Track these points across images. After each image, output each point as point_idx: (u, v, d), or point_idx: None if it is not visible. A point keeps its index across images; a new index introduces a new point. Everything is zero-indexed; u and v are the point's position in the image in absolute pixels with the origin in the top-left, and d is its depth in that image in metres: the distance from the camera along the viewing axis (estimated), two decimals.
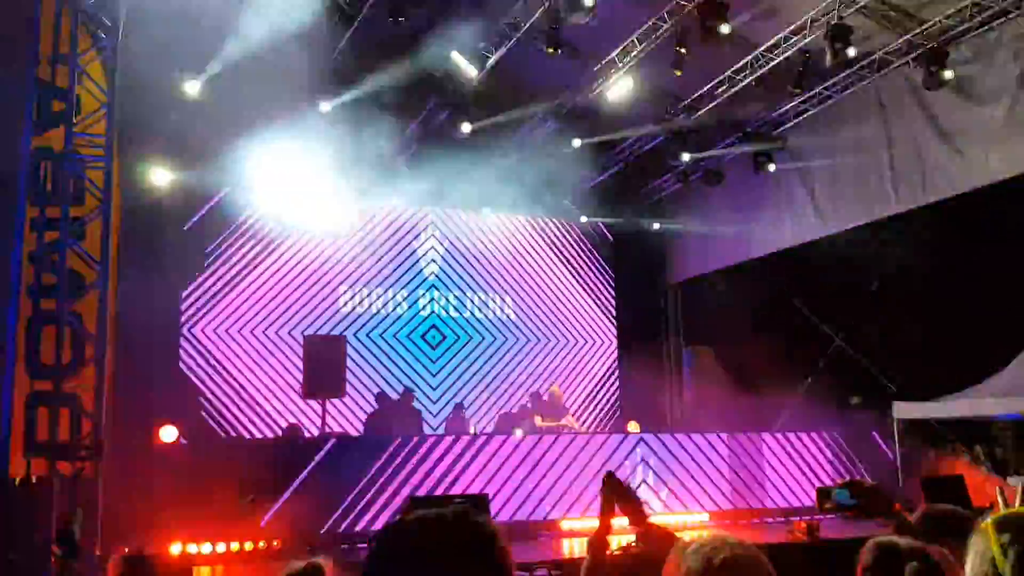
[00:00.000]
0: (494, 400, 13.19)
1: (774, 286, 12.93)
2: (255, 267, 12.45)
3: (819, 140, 11.73)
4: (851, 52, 9.28)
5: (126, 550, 6.02)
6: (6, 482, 5.81)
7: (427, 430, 11.72)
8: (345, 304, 12.95)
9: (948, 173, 9.99)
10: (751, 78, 10.65)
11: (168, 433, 9.32)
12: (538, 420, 11.17)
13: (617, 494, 2.87)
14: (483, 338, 13.81)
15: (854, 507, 2.76)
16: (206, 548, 7.43)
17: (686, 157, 12.14)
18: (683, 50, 9.61)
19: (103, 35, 6.97)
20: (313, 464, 8.56)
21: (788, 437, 10.69)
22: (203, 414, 11.74)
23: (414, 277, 13.50)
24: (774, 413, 11.21)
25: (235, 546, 7.69)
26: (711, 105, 11.43)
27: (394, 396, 11.59)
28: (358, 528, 8.53)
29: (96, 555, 5.48)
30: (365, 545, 8.22)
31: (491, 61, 10.25)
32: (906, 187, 10.53)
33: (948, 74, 9.53)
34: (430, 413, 12.89)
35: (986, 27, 9.35)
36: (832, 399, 11.29)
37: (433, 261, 13.69)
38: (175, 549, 6.98)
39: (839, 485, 2.90)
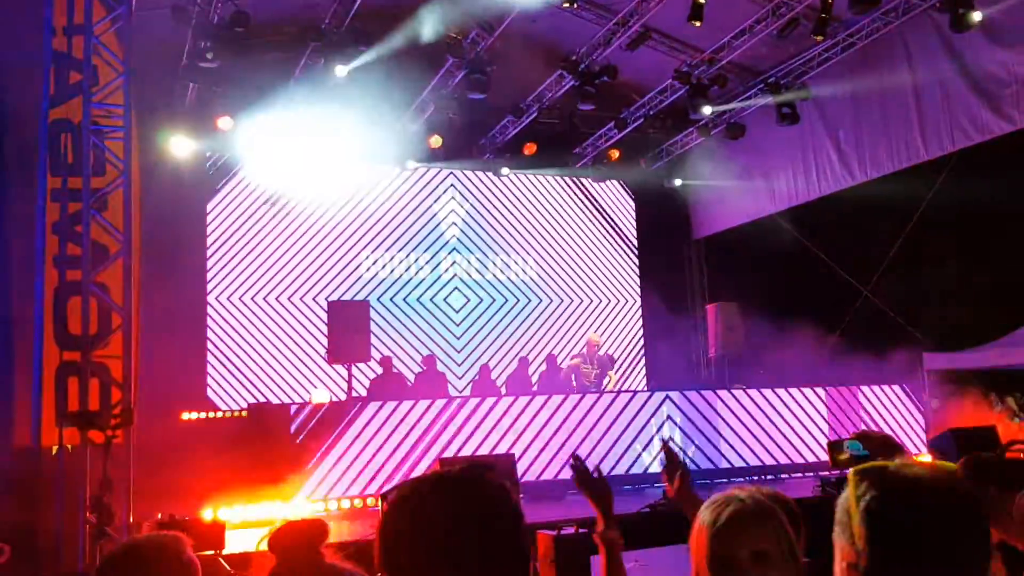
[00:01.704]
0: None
1: (799, 239, 12.77)
2: (277, 234, 12.50)
3: (844, 88, 11.46)
4: None
5: (159, 516, 6.15)
6: (40, 451, 5.91)
7: (452, 392, 11.79)
8: (367, 269, 12.98)
9: (978, 119, 9.75)
10: (772, 27, 10.40)
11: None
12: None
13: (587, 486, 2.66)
14: (506, 300, 13.80)
15: (865, 458, 2.70)
16: (238, 512, 7.54)
17: (707, 110, 11.92)
18: (702, 0, 9.40)
19: (116, 4, 6.92)
20: (342, 428, 8.64)
21: (816, 391, 10.62)
22: (229, 381, 11.89)
23: (435, 240, 13.48)
24: (801, 368, 11.12)
25: (266, 510, 7.80)
26: (731, 56, 11.20)
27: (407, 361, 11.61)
28: (386, 490, 8.62)
29: (129, 522, 5.58)
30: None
31: (508, 19, 10.10)
32: (934, 134, 10.30)
33: (976, 16, 9.24)
34: (455, 376, 12.97)
35: None
36: (861, 352, 11.17)
37: (454, 223, 13.66)
38: (207, 514, 7.09)
39: (850, 438, 2.85)
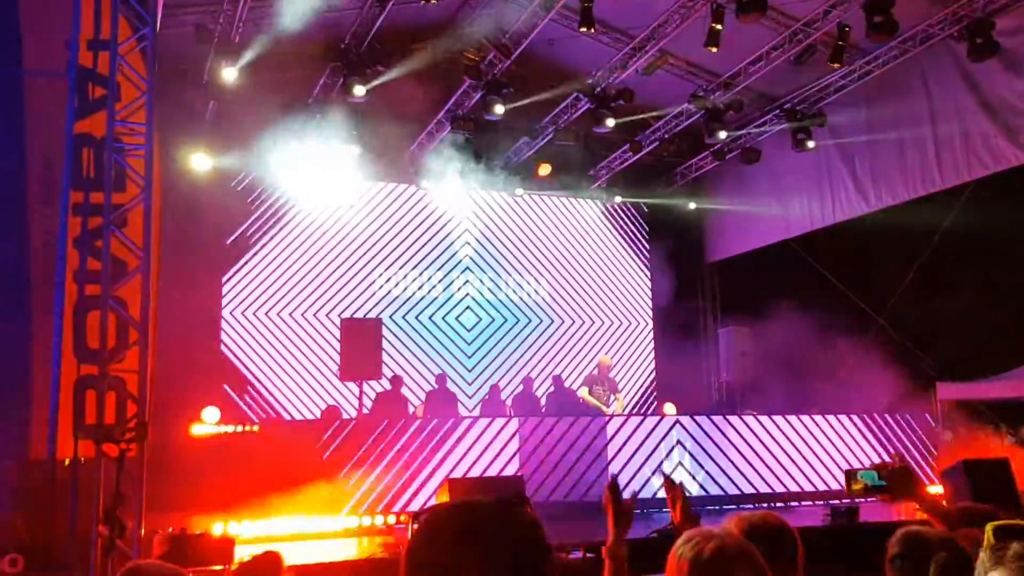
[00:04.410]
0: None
1: (813, 265, 12.76)
2: (292, 251, 12.59)
3: (860, 116, 11.50)
4: (891, 25, 9.04)
5: (170, 529, 6.19)
6: (55, 463, 5.96)
7: (462, 412, 11.80)
8: (381, 287, 13.05)
9: (994, 148, 9.75)
10: (789, 54, 10.46)
11: (211, 415, 9.52)
12: (584, 392, 11.15)
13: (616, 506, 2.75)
14: (518, 320, 13.83)
15: (882, 488, 2.73)
16: (247, 527, 7.58)
17: (723, 135, 11.97)
18: (719, 26, 9.46)
19: (141, 24, 7.03)
20: (351, 446, 8.66)
21: (828, 419, 10.57)
22: (243, 396, 11.94)
23: (449, 259, 13.54)
24: (813, 394, 11.08)
25: (275, 526, 7.83)
26: (748, 82, 11.26)
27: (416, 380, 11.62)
28: (394, 509, 8.63)
29: (140, 535, 5.62)
30: (402, 524, 8.32)
31: (525, 41, 10.19)
32: (950, 163, 10.30)
33: (993, 46, 9.26)
34: (465, 395, 12.99)
35: None
36: (873, 381, 11.14)
37: (467, 243, 13.72)
38: (217, 529, 7.13)
39: (866, 468, 2.87)
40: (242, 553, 6.42)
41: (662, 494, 9.56)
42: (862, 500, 8.30)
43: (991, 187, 9.91)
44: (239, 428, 10.88)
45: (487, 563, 1.29)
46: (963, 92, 10.04)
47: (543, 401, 12.22)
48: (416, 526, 1.38)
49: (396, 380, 10.98)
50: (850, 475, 2.91)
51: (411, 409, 11.54)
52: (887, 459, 9.85)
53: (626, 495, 2.75)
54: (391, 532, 8.16)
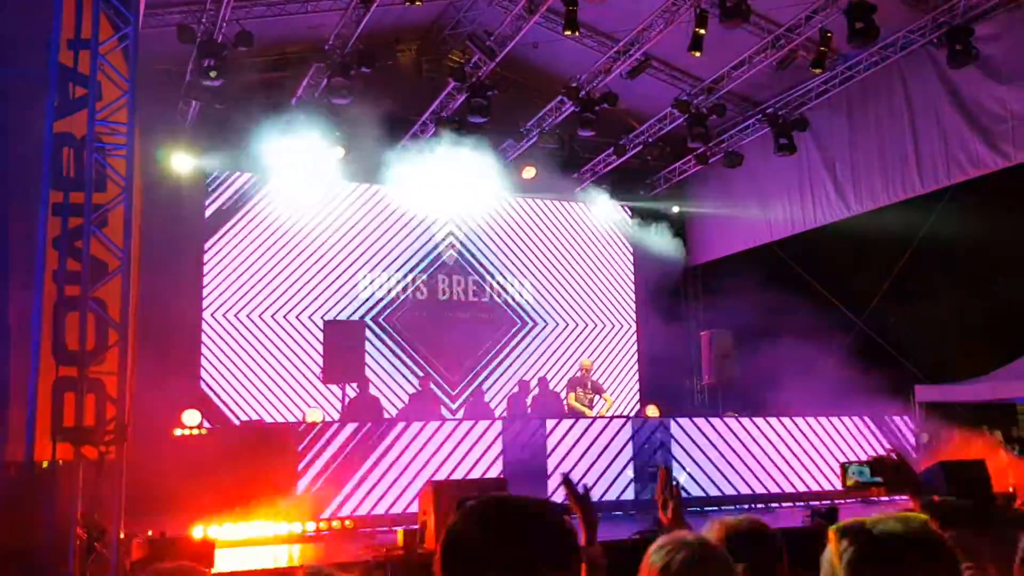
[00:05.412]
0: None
1: (795, 268, 12.84)
2: (274, 252, 12.51)
3: (841, 120, 11.59)
4: (872, 31, 9.13)
5: (149, 533, 6.14)
6: (33, 466, 5.90)
7: (446, 415, 11.79)
8: (364, 289, 13.00)
9: (973, 153, 9.85)
10: (771, 59, 10.53)
11: (191, 417, 9.47)
12: (571, 399, 11.15)
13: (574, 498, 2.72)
14: (503, 322, 13.82)
15: (877, 484, 2.75)
16: (228, 531, 7.53)
17: (706, 139, 12.02)
18: (702, 31, 9.52)
19: (122, 23, 6.98)
20: (332, 448, 8.63)
21: (808, 421, 10.65)
22: (223, 399, 11.88)
23: (433, 261, 13.51)
24: (794, 397, 11.14)
25: (257, 529, 7.79)
26: (730, 86, 11.32)
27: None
28: (376, 512, 8.61)
29: (120, 538, 5.57)
30: (384, 529, 8.29)
31: (510, 44, 10.20)
32: (930, 168, 10.40)
33: (973, 52, 9.37)
34: (449, 397, 12.97)
35: (1012, 3, 9.19)
36: (853, 383, 11.22)
37: (452, 245, 13.70)
38: (197, 532, 7.09)
39: (860, 462, 2.88)
40: (222, 557, 6.39)
41: (645, 496, 9.60)
42: (847, 500, 8.36)
43: (970, 191, 10.01)
44: (219, 431, 10.82)
45: (519, 558, 1.34)
46: (943, 98, 10.15)
47: (528, 402, 12.22)
48: (451, 520, 1.43)
49: (364, 383, 10.84)
50: (844, 468, 2.93)
51: (394, 412, 11.52)
52: (881, 452, 9.90)
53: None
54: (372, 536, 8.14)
